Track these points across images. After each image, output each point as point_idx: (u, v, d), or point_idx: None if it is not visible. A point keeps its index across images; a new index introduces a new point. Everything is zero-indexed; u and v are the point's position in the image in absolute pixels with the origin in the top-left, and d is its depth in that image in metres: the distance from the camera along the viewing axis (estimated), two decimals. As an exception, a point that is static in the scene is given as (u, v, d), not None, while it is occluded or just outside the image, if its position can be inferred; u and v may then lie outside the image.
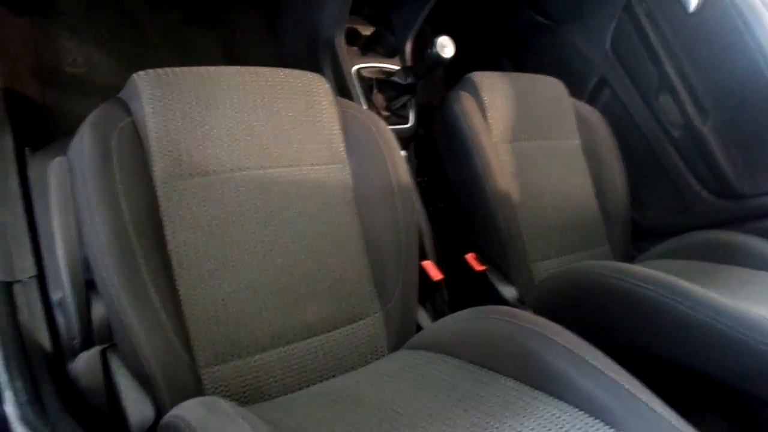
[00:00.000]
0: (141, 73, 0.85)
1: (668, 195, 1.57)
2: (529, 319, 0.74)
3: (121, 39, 1.39)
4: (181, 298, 0.77)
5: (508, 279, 1.21)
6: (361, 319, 0.91)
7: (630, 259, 1.41)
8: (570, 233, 1.34)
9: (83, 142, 0.75)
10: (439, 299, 1.14)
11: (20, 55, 1.22)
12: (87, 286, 0.77)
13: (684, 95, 1.49)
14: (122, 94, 0.86)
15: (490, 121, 1.30)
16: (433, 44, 1.16)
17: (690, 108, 1.48)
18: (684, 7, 1.45)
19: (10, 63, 1.14)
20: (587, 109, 1.50)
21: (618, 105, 1.63)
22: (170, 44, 1.46)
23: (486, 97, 1.31)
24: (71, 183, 0.77)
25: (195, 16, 1.49)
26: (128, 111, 0.82)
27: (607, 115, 1.53)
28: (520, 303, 1.18)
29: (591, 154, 1.45)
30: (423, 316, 1.01)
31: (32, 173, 0.92)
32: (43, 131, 1.14)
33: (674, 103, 1.51)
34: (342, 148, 0.97)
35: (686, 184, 1.53)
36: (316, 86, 0.98)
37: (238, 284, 0.82)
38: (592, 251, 1.37)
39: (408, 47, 1.43)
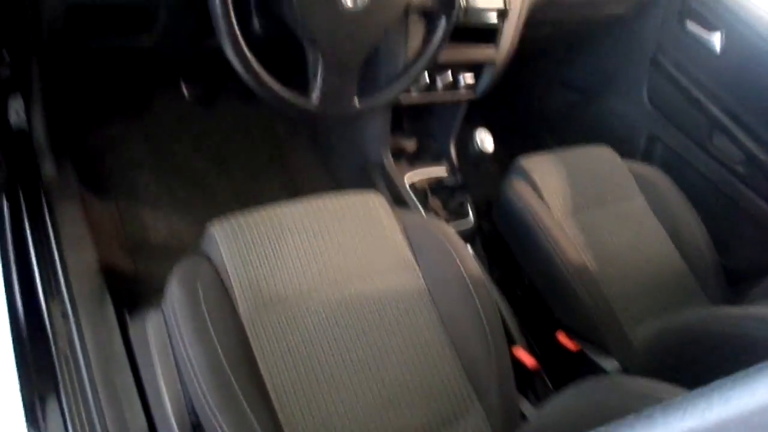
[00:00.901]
0: (215, 221, 0.93)
1: (750, 231, 1.50)
2: (641, 384, 0.69)
3: (195, 204, 1.52)
4: (282, 427, 0.79)
5: (606, 351, 1.16)
6: (462, 418, 0.90)
7: (733, 304, 1.33)
8: (661, 291, 1.29)
9: (172, 293, 0.82)
10: (539, 383, 1.11)
11: (111, 232, 1.37)
12: (195, 430, 0.80)
13: (737, 131, 1.47)
14: (201, 244, 0.94)
15: (548, 200, 1.32)
16: (473, 141, 1.22)
17: (748, 142, 1.45)
18: (711, 50, 1.48)
19: (103, 240, 1.27)
20: (644, 168, 1.50)
21: (674, 156, 1.62)
22: (239, 200, 1.59)
23: (538, 178, 1.33)
24: (167, 332, 0.83)
25: (257, 170, 1.63)
26: (208, 258, 0.90)
27: (666, 168, 1.51)
28: (624, 372, 1.12)
29: (660, 210, 1.42)
30: (526, 405, 0.98)
31: (133, 332, 0.99)
32: (136, 293, 1.24)
33: (730, 141, 1.49)
34: (409, 254, 1.00)
35: (766, 215, 1.47)
36: (373, 202, 1.04)
37: (335, 405, 0.83)
38: (689, 305, 1.30)
39: (452, 149, 1.50)
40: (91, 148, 1.51)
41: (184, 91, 1.62)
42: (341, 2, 0.91)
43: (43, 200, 1.23)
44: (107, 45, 1.11)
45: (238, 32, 0.86)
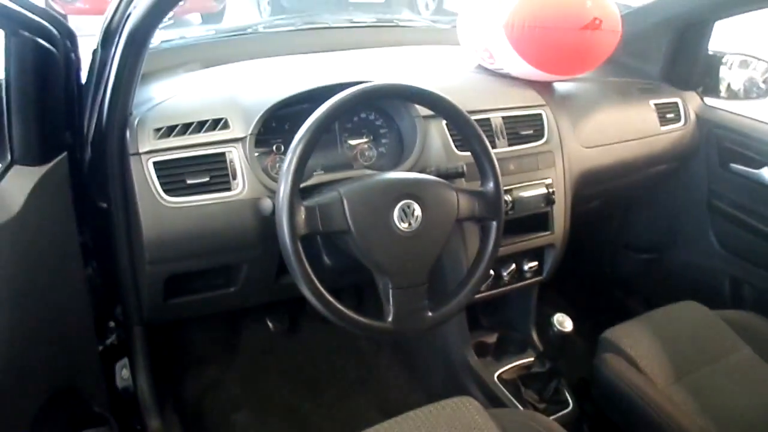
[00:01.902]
0: None
1: None
2: None
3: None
4: None
5: None
6: None
7: None
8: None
9: None
10: None
11: None
12: None
13: None
14: None
15: (646, 370, 1.26)
16: (551, 325, 1.23)
17: None
18: (763, 184, 1.49)
19: None
20: (738, 314, 1.43)
21: (765, 294, 1.55)
22: (335, 423, 1.59)
23: (630, 349, 1.29)
24: None
25: (347, 391, 1.66)
26: None
27: (760, 309, 1.45)
28: None
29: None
30: None
31: None
32: None
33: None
34: (513, 455, 0.97)
35: None
36: (467, 408, 1.03)
37: None
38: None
39: (534, 335, 1.49)
40: (191, 396, 1.59)
41: (269, 324, 1.72)
42: (396, 228, 1.00)
43: None
44: (198, 299, 1.22)
45: (312, 274, 0.94)
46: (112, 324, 1.37)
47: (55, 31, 0.88)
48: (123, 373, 1.39)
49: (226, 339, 1.73)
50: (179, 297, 1.17)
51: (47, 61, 0.89)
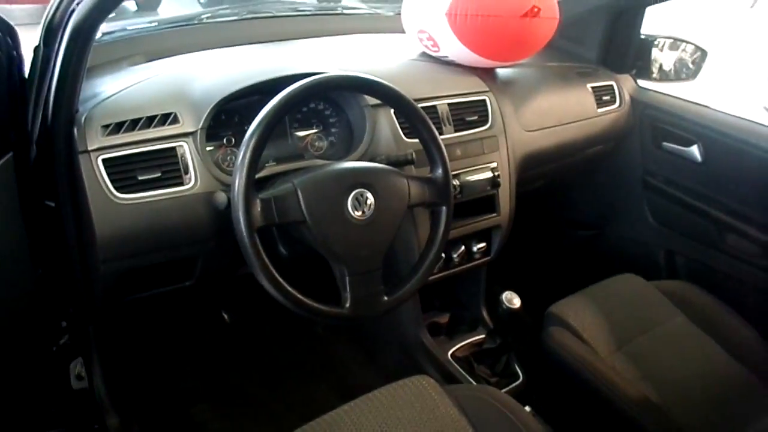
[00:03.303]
0: None
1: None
2: None
3: (256, 428, 1.55)
4: None
5: None
6: None
7: None
8: (732, 403, 1.25)
9: None
10: None
11: None
12: None
13: (745, 226, 1.53)
14: None
15: (589, 341, 1.33)
16: (500, 303, 1.28)
17: (759, 234, 1.50)
18: (693, 161, 1.59)
19: None
20: (672, 284, 1.53)
21: (695, 265, 1.66)
22: (296, 411, 1.61)
23: (573, 322, 1.36)
24: None
25: (305, 378, 1.68)
26: None
27: (692, 279, 1.55)
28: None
29: (702, 322, 1.42)
30: None
31: None
32: None
33: (742, 237, 1.54)
34: (470, 430, 1.01)
35: None
36: (423, 386, 1.07)
37: None
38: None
39: (484, 313, 1.55)
40: (148, 392, 1.58)
41: (225, 316, 1.72)
42: (350, 217, 1.02)
43: None
44: (153, 294, 1.22)
45: (270, 265, 0.96)
46: (64, 324, 1.34)
47: None
48: (78, 372, 1.37)
49: (181, 334, 1.73)
50: (134, 293, 1.17)
51: None
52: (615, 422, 1.21)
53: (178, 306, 1.55)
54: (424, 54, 1.54)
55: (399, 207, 1.08)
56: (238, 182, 0.94)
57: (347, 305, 1.03)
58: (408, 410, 1.03)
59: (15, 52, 0.94)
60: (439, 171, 1.13)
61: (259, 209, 0.96)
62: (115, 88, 1.12)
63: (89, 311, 1.24)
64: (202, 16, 1.51)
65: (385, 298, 1.07)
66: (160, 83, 1.16)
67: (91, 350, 1.33)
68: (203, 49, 1.40)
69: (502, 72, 1.55)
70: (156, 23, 1.45)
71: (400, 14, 1.56)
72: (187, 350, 1.70)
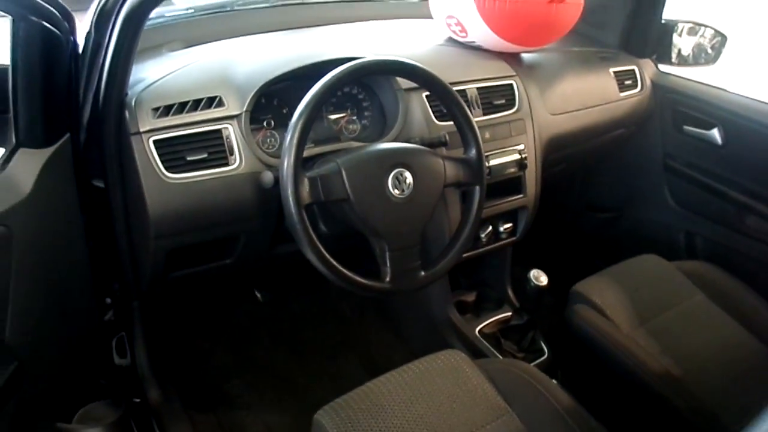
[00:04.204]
0: (320, 412, 1.02)
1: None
2: None
3: (285, 400, 1.61)
4: None
5: None
6: None
7: None
8: (751, 378, 1.29)
9: None
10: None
11: None
12: None
13: (764, 207, 1.56)
14: None
15: (613, 318, 1.37)
16: (528, 280, 1.33)
17: None
18: (713, 144, 1.62)
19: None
20: (692, 264, 1.56)
21: (715, 246, 1.70)
22: (324, 386, 1.67)
23: (597, 299, 1.40)
24: None
25: (333, 354, 1.74)
26: None
27: (712, 259, 1.58)
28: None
29: (722, 300, 1.46)
30: None
31: None
32: None
33: (761, 219, 1.58)
34: (501, 401, 1.06)
35: None
36: (455, 359, 1.12)
37: None
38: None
39: (509, 291, 1.60)
40: (187, 367, 1.65)
41: (258, 295, 1.78)
42: (390, 195, 1.07)
43: (154, 424, 1.34)
44: (196, 272, 1.27)
45: (316, 240, 1.01)
46: (108, 300, 1.40)
47: (57, 14, 0.90)
48: (120, 347, 1.43)
49: (216, 312, 1.79)
50: (180, 270, 1.22)
51: (53, 44, 0.91)
52: (637, 394, 1.26)
53: (215, 284, 1.61)
54: (451, 39, 1.58)
55: (436, 186, 1.12)
56: (287, 161, 0.99)
57: (387, 279, 1.08)
58: (440, 382, 1.08)
59: (72, 38, 0.98)
60: (473, 152, 1.17)
61: (306, 187, 1.01)
62: (160, 73, 1.16)
63: (135, 288, 1.29)
64: (235, 4, 1.55)
65: (422, 273, 1.12)
66: (203, 68, 1.20)
67: (135, 326, 1.38)
68: (238, 36, 1.44)
69: (527, 57, 1.58)
70: (192, 10, 1.50)
71: (426, 0, 1.60)
72: (223, 327, 1.76)
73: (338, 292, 1.85)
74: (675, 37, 1.78)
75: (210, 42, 1.39)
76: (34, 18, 0.86)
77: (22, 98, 0.91)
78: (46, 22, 0.88)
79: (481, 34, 1.48)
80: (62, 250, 1.08)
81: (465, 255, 1.44)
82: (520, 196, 1.47)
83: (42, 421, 1.19)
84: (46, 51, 0.91)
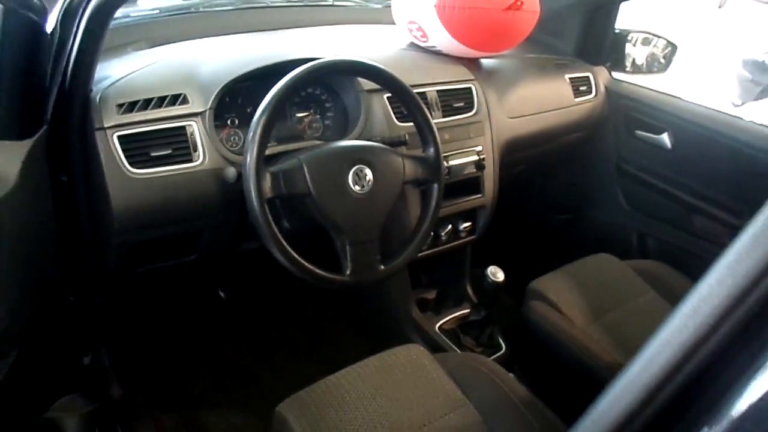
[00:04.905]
0: (283, 405, 1.04)
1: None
2: None
3: (249, 399, 1.62)
4: None
5: None
6: None
7: None
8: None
9: None
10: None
11: None
12: None
13: (712, 208, 1.64)
14: (273, 429, 1.04)
15: (567, 313, 1.42)
16: (485, 276, 1.38)
17: (724, 215, 1.61)
18: (663, 147, 1.70)
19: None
20: (644, 263, 1.63)
21: (666, 246, 1.77)
22: (288, 383, 1.68)
23: (553, 296, 1.45)
24: None
25: (297, 353, 1.76)
26: None
27: (663, 259, 1.65)
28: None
29: (672, 297, 1.52)
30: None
31: None
32: None
33: (709, 219, 1.65)
34: (459, 393, 1.09)
35: None
36: (414, 353, 1.15)
37: None
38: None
39: (468, 288, 1.64)
40: (150, 366, 1.65)
41: (221, 294, 1.79)
42: (351, 191, 1.11)
43: (117, 423, 1.34)
44: (158, 268, 1.28)
45: (278, 234, 1.04)
46: (71, 298, 1.40)
47: (42, 5, 0.91)
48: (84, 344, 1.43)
49: (180, 311, 1.79)
50: (143, 266, 1.23)
51: (36, 34, 0.92)
52: (590, 385, 1.30)
53: (178, 282, 1.61)
54: (412, 44, 1.63)
55: (395, 182, 1.16)
56: (250, 156, 1.01)
57: (347, 272, 1.11)
58: (400, 375, 1.11)
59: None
60: (432, 151, 1.21)
61: (269, 182, 1.03)
62: (125, 71, 1.18)
63: (97, 284, 1.29)
64: (201, 6, 1.57)
65: (382, 266, 1.16)
66: (169, 66, 1.22)
67: (98, 324, 1.38)
68: (202, 37, 1.46)
69: (486, 62, 1.64)
70: (158, 11, 1.51)
71: (388, 6, 1.64)
72: (186, 327, 1.77)
73: (302, 292, 1.87)
74: (629, 46, 1.86)
75: (175, 42, 1.41)
76: (21, 10, 0.86)
77: (4, 89, 0.91)
78: (30, 11, 0.88)
79: (442, 39, 1.52)
80: (44, 243, 1.08)
81: (425, 253, 1.48)
82: (479, 195, 1.52)
83: (21, 411, 1.18)
84: (30, 42, 0.92)
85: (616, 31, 1.85)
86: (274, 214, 1.05)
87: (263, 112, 1.03)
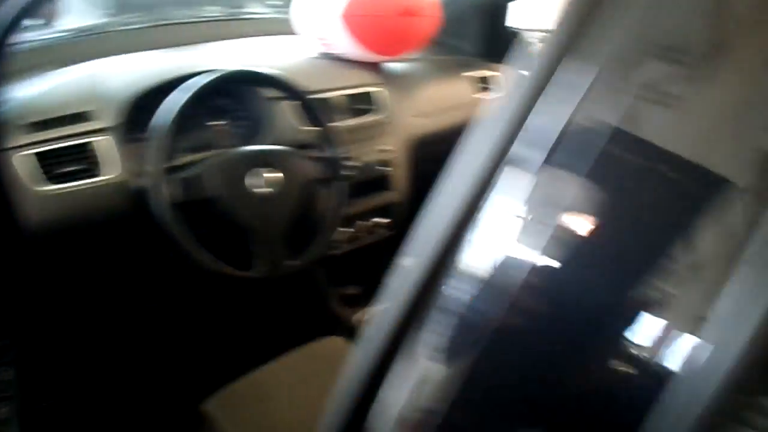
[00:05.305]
0: (206, 403, 1.09)
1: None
2: None
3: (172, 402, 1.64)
4: None
5: None
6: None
7: None
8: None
9: None
10: None
11: None
12: None
13: None
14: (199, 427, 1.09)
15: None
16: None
17: None
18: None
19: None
20: None
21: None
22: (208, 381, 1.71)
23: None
24: None
25: (223, 350, 1.78)
26: None
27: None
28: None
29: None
30: None
31: None
32: None
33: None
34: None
35: None
36: (335, 344, 1.24)
37: None
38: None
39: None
40: (69, 379, 1.63)
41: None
42: (256, 192, 1.19)
43: None
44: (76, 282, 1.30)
45: (187, 233, 1.11)
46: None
47: None
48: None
49: (98, 320, 1.77)
50: (59, 282, 1.26)
51: None
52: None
53: (95, 294, 1.62)
54: (318, 52, 1.70)
55: (299, 182, 1.24)
56: (154, 165, 1.08)
57: (255, 268, 1.18)
58: (321, 366, 1.17)
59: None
60: (332, 151, 1.30)
61: (174, 188, 1.10)
62: (31, 91, 1.21)
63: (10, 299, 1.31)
64: (111, 26, 1.61)
65: (289, 262, 1.23)
66: (74, 84, 1.26)
67: (13, 336, 1.39)
68: (113, 55, 1.50)
69: (391, 66, 1.73)
70: (68, 33, 1.54)
71: (297, 18, 1.71)
72: (106, 336, 1.75)
73: (222, 295, 1.89)
74: (534, 44, 1.99)
75: (84, 62, 1.45)
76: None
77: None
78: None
79: (347, 46, 1.61)
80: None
81: (345, 249, 1.56)
82: (390, 192, 1.61)
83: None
84: None
85: (513, 30, 1.97)
86: (188, 221, 1.11)
87: (160, 121, 1.09)
